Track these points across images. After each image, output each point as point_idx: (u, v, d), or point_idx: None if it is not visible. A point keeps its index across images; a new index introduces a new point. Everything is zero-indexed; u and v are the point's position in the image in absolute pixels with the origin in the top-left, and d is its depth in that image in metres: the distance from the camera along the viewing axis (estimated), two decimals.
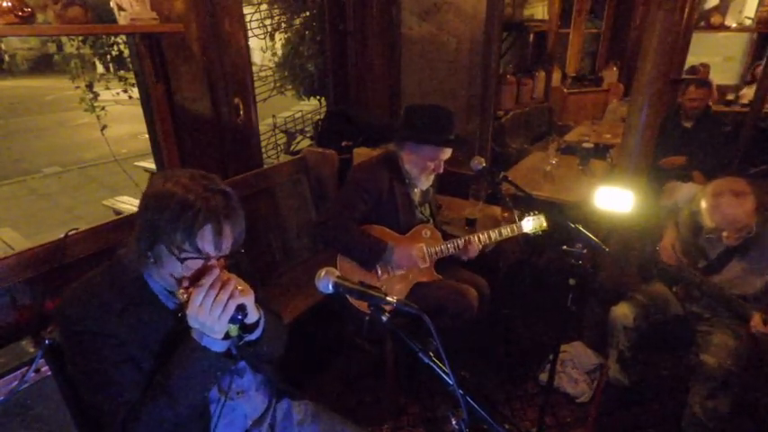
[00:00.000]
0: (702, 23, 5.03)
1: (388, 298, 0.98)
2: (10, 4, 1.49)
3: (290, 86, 3.74)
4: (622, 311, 1.97)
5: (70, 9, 1.62)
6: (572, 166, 3.18)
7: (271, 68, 3.72)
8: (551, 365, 1.75)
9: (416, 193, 2.04)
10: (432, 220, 2.12)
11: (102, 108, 3.06)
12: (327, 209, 1.98)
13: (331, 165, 2.70)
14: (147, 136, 2.19)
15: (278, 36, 3.58)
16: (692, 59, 5.50)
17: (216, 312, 0.95)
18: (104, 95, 3.10)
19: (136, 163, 4.43)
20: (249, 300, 1.01)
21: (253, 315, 1.05)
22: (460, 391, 0.89)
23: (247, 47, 2.43)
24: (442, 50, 3.04)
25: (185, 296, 0.97)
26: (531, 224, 1.98)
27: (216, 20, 2.20)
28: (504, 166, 3.58)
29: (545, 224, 1.98)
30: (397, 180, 1.96)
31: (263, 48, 3.65)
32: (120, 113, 6.24)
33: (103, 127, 3.07)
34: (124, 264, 1.05)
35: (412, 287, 1.99)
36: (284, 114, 4.16)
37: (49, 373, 1.23)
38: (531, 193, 2.10)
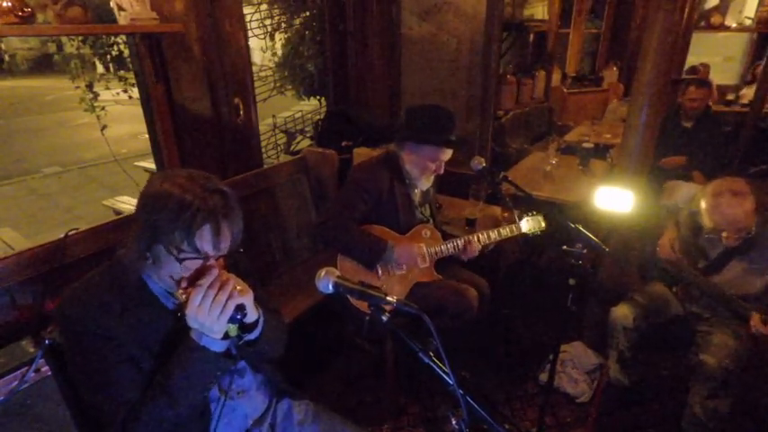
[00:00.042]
0: (702, 23, 5.03)
1: (389, 298, 0.97)
2: (10, 4, 1.49)
3: (290, 86, 3.74)
4: (622, 312, 1.97)
5: (70, 9, 1.63)
6: (572, 166, 3.18)
7: (271, 68, 3.73)
8: (551, 365, 1.75)
9: (417, 194, 2.04)
10: (432, 220, 2.12)
11: (102, 108, 3.07)
12: (327, 209, 1.98)
13: (331, 165, 2.70)
14: (147, 136, 2.20)
15: (278, 36, 3.58)
16: (692, 59, 5.52)
17: (215, 312, 0.95)
18: (104, 95, 3.10)
19: (136, 163, 4.44)
20: (248, 299, 1.01)
21: (252, 314, 1.05)
22: (460, 391, 0.89)
23: (247, 47, 2.43)
24: (442, 50, 3.04)
25: (184, 296, 0.97)
26: (530, 224, 1.98)
27: (216, 20, 2.20)
28: (504, 166, 3.58)
29: (544, 224, 1.98)
30: (398, 180, 1.96)
31: (263, 48, 3.65)
32: (120, 113, 6.24)
33: (103, 127, 3.07)
34: (124, 264, 1.05)
35: (412, 287, 1.98)
36: (284, 114, 4.17)
37: (49, 373, 1.23)
38: (531, 193, 2.10)
